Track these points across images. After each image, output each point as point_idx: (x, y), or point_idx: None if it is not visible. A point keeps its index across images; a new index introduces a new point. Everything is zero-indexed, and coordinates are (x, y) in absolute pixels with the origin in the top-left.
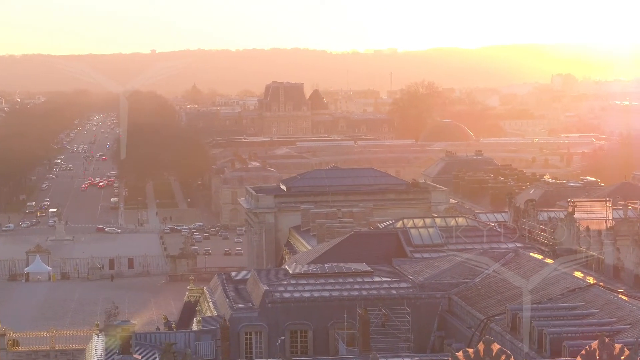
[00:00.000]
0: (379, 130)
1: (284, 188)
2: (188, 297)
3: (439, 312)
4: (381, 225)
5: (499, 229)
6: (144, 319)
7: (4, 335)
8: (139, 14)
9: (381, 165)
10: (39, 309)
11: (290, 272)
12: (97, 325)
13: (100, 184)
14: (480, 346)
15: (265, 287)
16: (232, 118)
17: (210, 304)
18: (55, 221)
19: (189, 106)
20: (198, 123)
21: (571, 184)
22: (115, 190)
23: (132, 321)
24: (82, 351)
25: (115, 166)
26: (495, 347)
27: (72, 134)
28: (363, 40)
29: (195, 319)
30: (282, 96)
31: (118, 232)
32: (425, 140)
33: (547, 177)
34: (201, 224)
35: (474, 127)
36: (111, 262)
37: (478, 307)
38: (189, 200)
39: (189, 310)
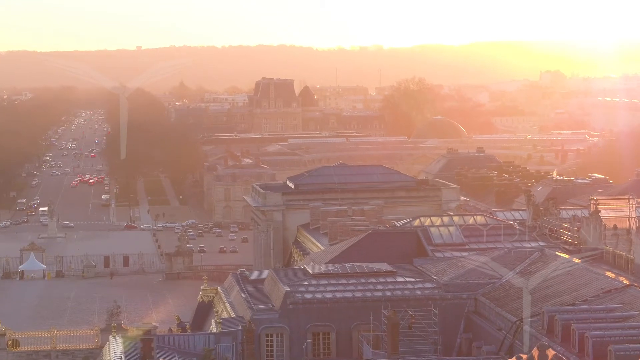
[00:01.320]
0: (370, 126)
1: (292, 185)
2: (202, 297)
3: (465, 313)
4: (398, 224)
5: (520, 228)
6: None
7: (4, 335)
8: (124, 11)
9: (374, 162)
10: (35, 307)
11: (311, 272)
12: (114, 327)
13: (91, 181)
14: (535, 352)
15: (286, 288)
16: (221, 115)
17: (227, 304)
18: (46, 219)
19: (177, 103)
20: (187, 120)
21: (579, 181)
22: (106, 187)
23: (153, 323)
24: (84, 351)
25: (105, 163)
26: (551, 352)
27: (59, 131)
28: (348, 37)
29: (213, 320)
30: (273, 93)
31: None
32: (417, 137)
33: (554, 175)
34: (194, 221)
35: (466, 123)
36: (106, 260)
37: (508, 309)
38: (180, 197)
39: (203, 310)
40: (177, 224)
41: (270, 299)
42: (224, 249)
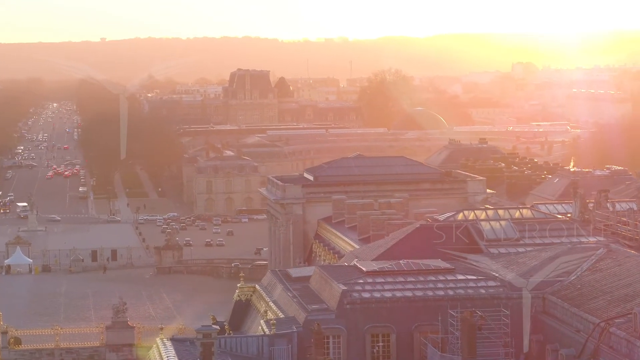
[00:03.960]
0: (347, 118)
1: (310, 177)
2: (239, 296)
3: (533, 314)
4: (441, 218)
5: (575, 222)
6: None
7: (5, 333)
8: (87, 2)
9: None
10: (27, 303)
11: (364, 269)
12: (161, 328)
13: (66, 173)
14: None
15: (343, 287)
16: (195, 106)
17: (271, 304)
18: (26, 212)
19: (149, 94)
20: (161, 111)
21: (597, 172)
22: (82, 180)
23: (213, 325)
24: (89, 349)
25: (79, 155)
26: None
27: (29, 123)
28: (313, 29)
29: (262, 321)
30: (249, 84)
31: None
32: (397, 128)
33: (571, 166)
34: (175, 214)
35: (443, 115)
36: (94, 254)
37: (586, 309)
38: (159, 189)
39: (241, 310)
40: (159, 217)
41: (322, 298)
42: (211, 242)
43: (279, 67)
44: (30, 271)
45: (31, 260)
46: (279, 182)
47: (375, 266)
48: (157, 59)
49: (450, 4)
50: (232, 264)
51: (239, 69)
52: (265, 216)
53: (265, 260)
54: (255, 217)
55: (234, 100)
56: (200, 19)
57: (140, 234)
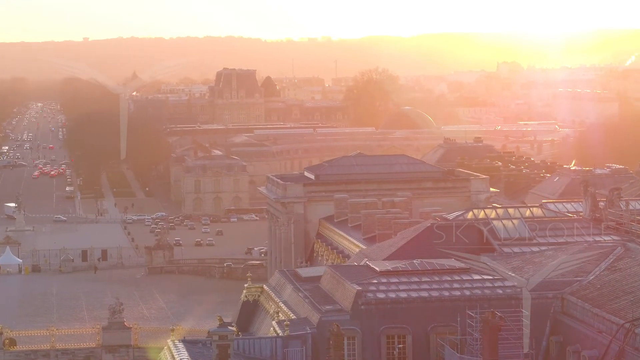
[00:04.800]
0: (334, 117)
1: (311, 176)
2: (246, 297)
3: (552, 314)
4: (450, 217)
5: (586, 221)
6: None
7: (0, 334)
8: (70, 2)
9: (344, 153)
10: (19, 304)
11: (377, 269)
12: (173, 330)
13: (52, 172)
14: None
15: (357, 287)
16: (181, 105)
17: (281, 304)
18: (14, 211)
19: (135, 93)
20: (147, 111)
21: (598, 171)
22: (69, 179)
23: (230, 327)
24: (84, 350)
25: (65, 154)
26: None
27: (13, 122)
28: (296, 29)
29: (274, 322)
30: (235, 83)
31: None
32: (385, 127)
33: (572, 165)
34: (163, 213)
35: (430, 114)
36: (84, 254)
37: (609, 309)
38: (147, 189)
39: (248, 310)
40: (147, 217)
41: (334, 298)
42: (201, 242)
43: (263, 67)
44: (20, 271)
45: (21, 260)
46: (279, 180)
47: (388, 266)
48: (140, 59)
49: (433, 3)
50: (225, 264)
51: (225, 68)
52: (254, 216)
53: (258, 260)
54: (244, 216)
55: (220, 99)
56: (183, 19)
57: (129, 233)
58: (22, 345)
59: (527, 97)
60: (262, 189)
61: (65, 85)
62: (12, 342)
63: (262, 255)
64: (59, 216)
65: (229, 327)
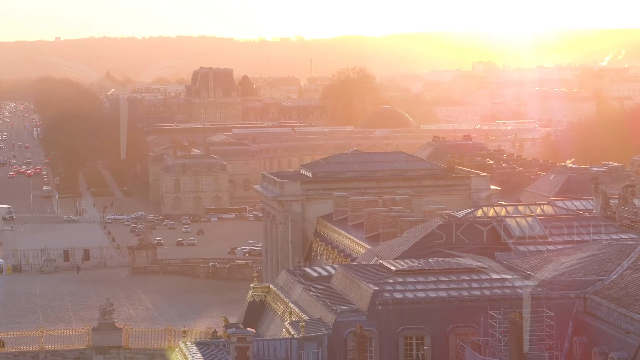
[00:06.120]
0: (311, 116)
1: (308, 174)
2: (252, 297)
3: (574, 314)
4: (459, 215)
5: (599, 219)
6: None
7: None
8: (42, 1)
9: (323, 152)
10: (1, 304)
11: (393, 268)
12: (184, 331)
13: (28, 172)
14: None
15: (373, 287)
16: (157, 105)
17: (291, 305)
18: None
19: (109, 92)
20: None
21: (595, 169)
22: (45, 179)
23: (249, 329)
24: (74, 352)
25: (41, 153)
26: None
27: None
28: (269, 28)
29: (287, 323)
30: (212, 82)
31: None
32: (364, 126)
33: (569, 163)
34: (142, 213)
35: (409, 113)
36: (66, 254)
37: (636, 309)
38: (125, 188)
39: (255, 311)
40: (126, 216)
41: (348, 298)
42: (182, 241)
43: (237, 66)
44: (2, 271)
45: (2, 260)
46: (276, 178)
47: (404, 265)
48: (113, 59)
49: (404, 3)
50: (210, 264)
51: (202, 68)
52: (234, 215)
53: (243, 260)
54: (223, 216)
55: (197, 98)
56: (155, 18)
57: (109, 233)
58: (10, 347)
59: (503, 97)
60: (257, 186)
61: (38, 84)
62: (1, 343)
63: (247, 255)
64: (69, 216)
65: (249, 329)
